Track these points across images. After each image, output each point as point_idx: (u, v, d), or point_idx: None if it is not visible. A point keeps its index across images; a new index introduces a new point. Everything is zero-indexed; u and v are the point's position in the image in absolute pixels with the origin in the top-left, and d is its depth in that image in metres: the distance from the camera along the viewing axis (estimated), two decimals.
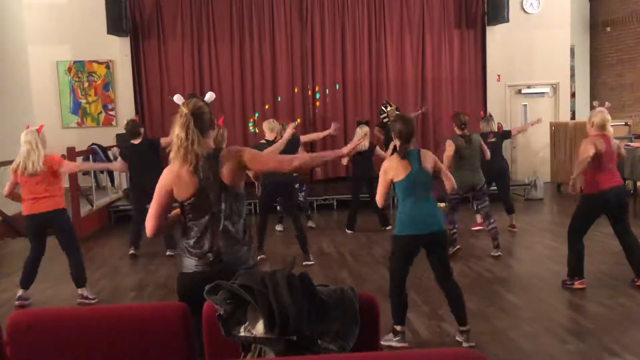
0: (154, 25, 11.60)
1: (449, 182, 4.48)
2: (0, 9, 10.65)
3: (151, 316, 2.54)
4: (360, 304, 2.38)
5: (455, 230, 7.14)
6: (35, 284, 6.04)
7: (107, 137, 10.91)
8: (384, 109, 11.03)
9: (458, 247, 7.08)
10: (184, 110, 2.95)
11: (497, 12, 11.75)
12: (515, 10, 12.02)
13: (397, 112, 10.61)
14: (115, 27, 10.91)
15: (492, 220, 7.00)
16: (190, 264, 2.99)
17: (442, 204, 7.46)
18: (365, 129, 8.34)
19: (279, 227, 8.88)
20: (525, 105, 12.59)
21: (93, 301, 5.76)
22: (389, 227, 8.41)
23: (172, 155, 2.97)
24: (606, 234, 7.79)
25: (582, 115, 12.33)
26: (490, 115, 8.62)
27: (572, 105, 13.66)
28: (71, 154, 9.09)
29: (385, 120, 10.48)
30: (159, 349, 2.47)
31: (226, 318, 2.27)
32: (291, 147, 6.98)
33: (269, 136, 7.14)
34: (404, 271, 4.43)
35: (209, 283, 2.83)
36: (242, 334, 2.24)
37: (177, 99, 3.13)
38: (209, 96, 3.19)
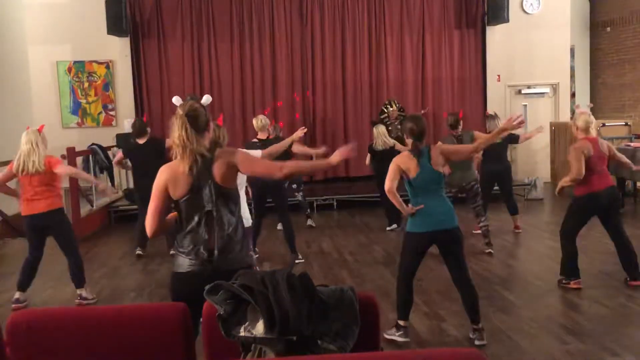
0: (154, 25, 11.59)
1: (463, 150, 4.73)
2: (0, 9, 10.65)
3: (151, 316, 2.55)
4: (360, 304, 2.38)
5: None
6: (35, 284, 6.04)
7: (107, 137, 10.91)
8: (384, 109, 11.03)
9: None
10: (180, 112, 3.04)
11: (497, 12, 11.75)
12: (515, 10, 12.02)
13: (401, 113, 10.63)
14: (115, 27, 10.90)
15: (483, 219, 7.13)
16: (184, 263, 3.02)
17: None
18: (382, 128, 8.36)
19: (280, 227, 8.85)
20: (525, 106, 12.59)
21: (92, 301, 5.76)
22: (392, 227, 8.45)
23: (176, 155, 3.04)
24: (606, 234, 7.81)
25: None
26: (495, 114, 8.53)
27: (572, 106, 13.65)
28: (71, 154, 9.09)
29: (385, 120, 10.47)
30: (159, 349, 2.47)
31: (226, 318, 2.27)
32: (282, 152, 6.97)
33: (261, 135, 6.94)
34: (412, 267, 4.48)
35: (203, 283, 2.85)
36: (242, 334, 2.24)
37: (176, 100, 3.24)
38: (206, 99, 3.30)
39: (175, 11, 11.61)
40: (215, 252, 2.99)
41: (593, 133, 5.49)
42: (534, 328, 4.75)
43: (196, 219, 3.00)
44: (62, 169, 5.80)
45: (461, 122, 7.23)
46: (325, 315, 2.30)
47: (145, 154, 7.08)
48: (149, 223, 3.06)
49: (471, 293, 4.45)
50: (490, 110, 9.02)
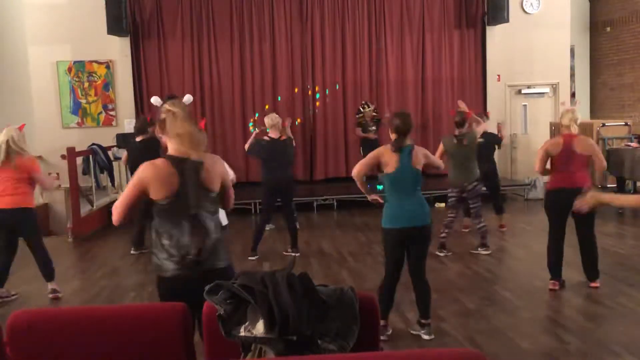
0: (154, 25, 11.59)
1: (437, 164, 4.78)
2: (0, 9, 10.65)
3: (151, 316, 2.55)
4: (360, 304, 2.38)
5: (444, 235, 7.10)
6: (35, 283, 6.05)
7: (107, 137, 10.91)
8: (361, 109, 11.20)
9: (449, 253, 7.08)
10: (177, 109, 2.99)
11: (497, 12, 11.74)
12: (515, 10, 12.01)
13: (375, 115, 10.96)
14: (115, 27, 10.90)
15: (481, 220, 7.09)
16: (169, 266, 2.96)
17: (442, 204, 7.50)
18: None
19: (268, 227, 8.75)
20: (525, 106, 12.59)
21: (59, 294, 5.84)
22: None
23: (179, 149, 2.96)
24: (606, 233, 7.81)
25: (582, 115, 12.32)
26: (484, 114, 8.47)
27: (572, 105, 13.65)
28: (71, 154, 9.09)
29: (360, 120, 10.80)
30: (159, 349, 2.48)
31: (226, 318, 2.28)
32: (284, 149, 7.00)
33: (273, 134, 7.02)
34: (393, 264, 4.54)
35: (189, 286, 2.83)
36: (242, 334, 2.24)
37: (155, 100, 3.17)
38: (187, 98, 3.26)
39: (175, 11, 11.61)
40: (200, 256, 2.95)
41: (573, 130, 5.46)
42: (534, 328, 4.76)
43: (180, 222, 2.94)
44: (39, 176, 5.73)
45: (467, 122, 7.18)
46: (325, 315, 2.30)
47: (140, 152, 7.08)
48: (117, 213, 3.06)
49: (424, 289, 4.59)
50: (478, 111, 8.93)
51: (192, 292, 2.71)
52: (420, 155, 4.46)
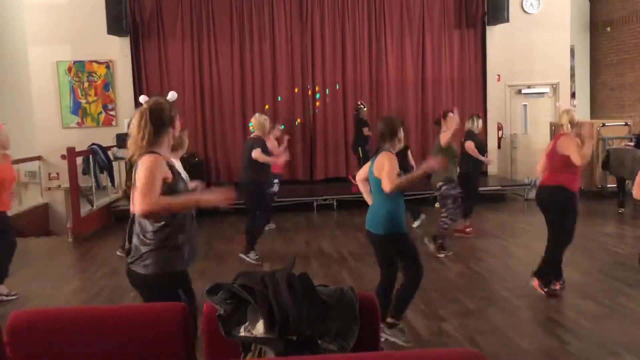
0: (154, 25, 11.59)
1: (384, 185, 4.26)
2: (0, 9, 10.65)
3: (151, 316, 2.55)
4: (360, 304, 2.38)
5: (441, 231, 7.07)
6: (35, 283, 6.04)
7: (107, 137, 10.90)
8: (357, 109, 11.18)
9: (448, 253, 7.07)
10: (144, 106, 3.04)
11: (497, 12, 11.74)
12: (515, 10, 12.01)
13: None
14: (115, 27, 10.89)
15: (452, 218, 7.16)
16: None
17: (437, 204, 7.51)
18: None
19: (267, 227, 8.67)
20: (525, 106, 12.59)
21: (12, 298, 5.72)
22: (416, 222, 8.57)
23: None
24: (606, 233, 7.81)
25: (582, 115, 12.33)
26: (478, 116, 8.35)
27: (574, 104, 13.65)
28: (71, 154, 9.09)
29: (362, 117, 10.76)
30: (159, 349, 2.48)
31: (226, 318, 2.28)
32: (246, 149, 6.97)
33: (254, 134, 6.97)
34: (381, 264, 4.57)
35: (129, 278, 3.10)
36: (242, 334, 2.24)
37: (143, 99, 3.19)
38: (171, 95, 3.28)
39: (175, 11, 11.61)
40: (129, 254, 3.05)
41: (566, 129, 5.42)
42: (534, 328, 4.76)
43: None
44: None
45: (446, 122, 7.04)
46: (325, 315, 2.30)
47: None
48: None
49: (403, 284, 4.47)
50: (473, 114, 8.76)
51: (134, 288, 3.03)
52: (378, 162, 4.28)
